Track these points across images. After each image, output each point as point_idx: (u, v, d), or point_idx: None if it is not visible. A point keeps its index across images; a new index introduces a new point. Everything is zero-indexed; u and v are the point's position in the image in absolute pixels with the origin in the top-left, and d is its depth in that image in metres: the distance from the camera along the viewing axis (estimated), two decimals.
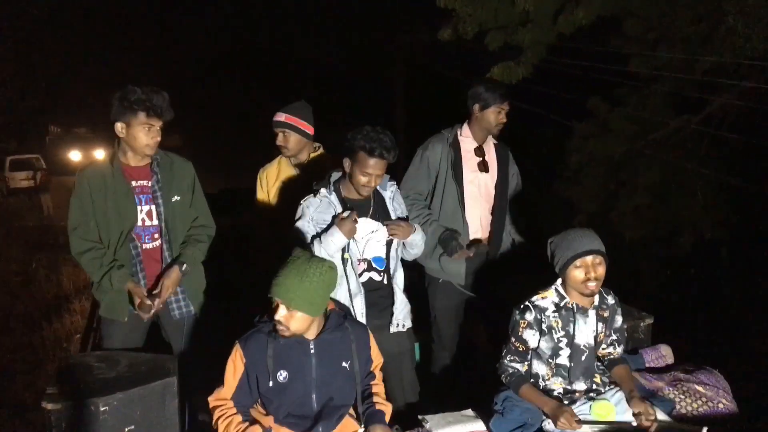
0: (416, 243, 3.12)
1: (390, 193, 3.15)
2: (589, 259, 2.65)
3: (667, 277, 8.46)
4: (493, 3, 7.92)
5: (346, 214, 2.92)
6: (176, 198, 3.13)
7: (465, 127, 3.69)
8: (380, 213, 3.09)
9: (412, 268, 3.50)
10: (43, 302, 8.84)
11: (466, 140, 3.66)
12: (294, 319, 2.33)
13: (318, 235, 2.96)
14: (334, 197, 3.02)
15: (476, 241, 3.62)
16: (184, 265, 3.09)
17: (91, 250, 3.01)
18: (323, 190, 3.02)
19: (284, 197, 3.60)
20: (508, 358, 2.80)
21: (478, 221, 3.65)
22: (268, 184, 3.68)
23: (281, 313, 2.32)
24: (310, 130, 3.61)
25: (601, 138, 8.57)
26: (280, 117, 3.58)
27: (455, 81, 12.48)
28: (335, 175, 3.09)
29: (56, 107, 28.57)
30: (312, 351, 2.43)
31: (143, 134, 2.95)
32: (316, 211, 3.00)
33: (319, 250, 2.89)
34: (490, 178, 3.68)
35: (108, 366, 2.75)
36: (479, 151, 3.67)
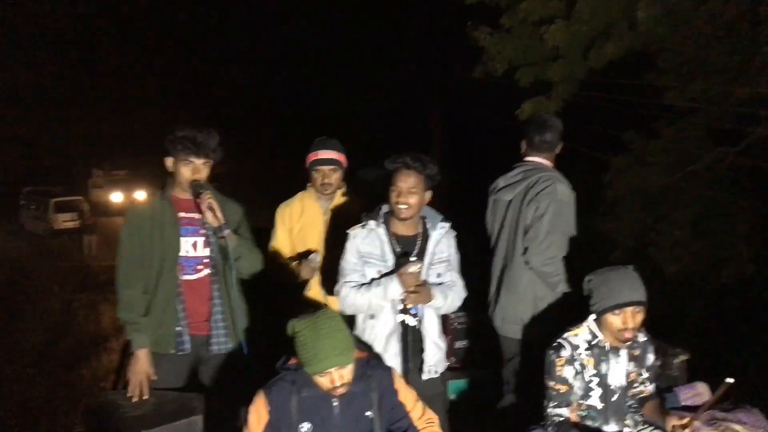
0: (438, 306, 2.97)
1: (438, 234, 2.99)
2: (629, 309, 2.56)
3: (708, 313, 8.21)
4: (523, 40, 7.97)
5: (412, 268, 2.77)
6: (227, 231, 3.10)
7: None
8: (423, 253, 2.97)
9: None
10: (83, 341, 8.99)
11: None
12: (348, 373, 2.32)
13: (373, 279, 2.87)
14: (382, 230, 2.92)
15: None
16: (235, 237, 3.05)
17: (130, 289, 3.03)
18: (372, 222, 2.93)
19: (311, 235, 3.56)
20: (551, 405, 2.66)
21: None
22: (291, 221, 3.59)
23: (341, 378, 2.30)
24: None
25: (638, 171, 8.46)
26: (330, 154, 3.50)
27: (489, 118, 12.52)
28: (385, 207, 2.99)
29: (100, 151, 29.52)
30: (335, 403, 2.39)
31: (186, 170, 3.02)
32: (362, 242, 2.92)
33: (374, 294, 2.83)
34: None
35: (135, 405, 2.77)
36: None
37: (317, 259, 3.36)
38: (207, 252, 3.11)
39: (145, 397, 2.88)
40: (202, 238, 3.11)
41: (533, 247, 3.23)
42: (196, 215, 3.10)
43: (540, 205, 3.24)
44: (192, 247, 3.10)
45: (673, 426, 2.48)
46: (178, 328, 3.04)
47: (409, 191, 2.82)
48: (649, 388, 2.79)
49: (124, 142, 29.26)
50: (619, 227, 8.72)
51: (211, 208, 2.95)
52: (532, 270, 3.27)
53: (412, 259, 2.84)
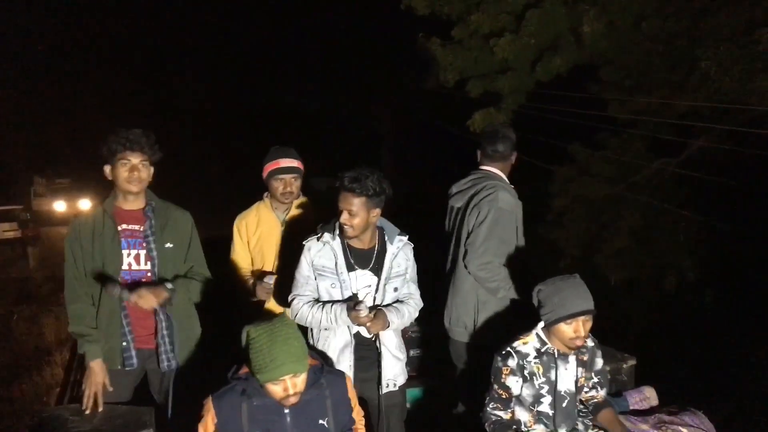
0: (395, 327, 2.95)
1: (395, 248, 2.94)
2: (580, 318, 2.62)
3: (652, 319, 8.47)
4: (473, 51, 8.12)
5: (363, 312, 2.72)
6: (169, 245, 3.05)
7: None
8: (379, 267, 2.94)
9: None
10: (24, 355, 8.67)
11: None
12: (301, 383, 2.30)
13: (327, 302, 2.84)
14: (337, 243, 2.88)
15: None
16: (171, 290, 2.94)
17: (78, 302, 2.93)
18: (326, 235, 2.86)
19: (268, 247, 3.51)
20: (491, 406, 2.76)
21: None
22: (248, 233, 3.54)
23: (294, 387, 2.27)
24: None
25: (583, 182, 8.70)
26: (291, 162, 3.45)
27: (439, 127, 12.66)
28: None
29: (41, 159, 28.63)
30: (286, 411, 2.36)
31: (123, 170, 2.91)
32: (316, 254, 2.87)
33: (325, 318, 2.80)
34: None
35: (83, 419, 2.69)
36: None
37: (271, 282, 3.31)
38: (149, 266, 3.02)
39: (100, 408, 2.80)
40: (144, 251, 3.01)
41: (470, 252, 3.29)
42: (139, 227, 3.01)
43: (481, 212, 3.29)
44: (134, 260, 3.00)
45: None
46: (123, 344, 2.96)
47: (350, 212, 2.78)
48: (601, 393, 2.85)
49: (67, 149, 28.43)
50: (566, 236, 8.95)
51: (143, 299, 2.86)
52: (471, 274, 3.34)
53: (362, 301, 2.77)
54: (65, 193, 26.84)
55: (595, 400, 2.85)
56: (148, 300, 2.84)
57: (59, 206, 26.35)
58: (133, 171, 2.93)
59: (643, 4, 7.47)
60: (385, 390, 2.93)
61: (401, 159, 16.13)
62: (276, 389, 2.26)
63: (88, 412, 2.77)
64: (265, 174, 3.49)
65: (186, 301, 3.13)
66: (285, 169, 3.45)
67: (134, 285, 2.91)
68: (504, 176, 3.49)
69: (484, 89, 8.35)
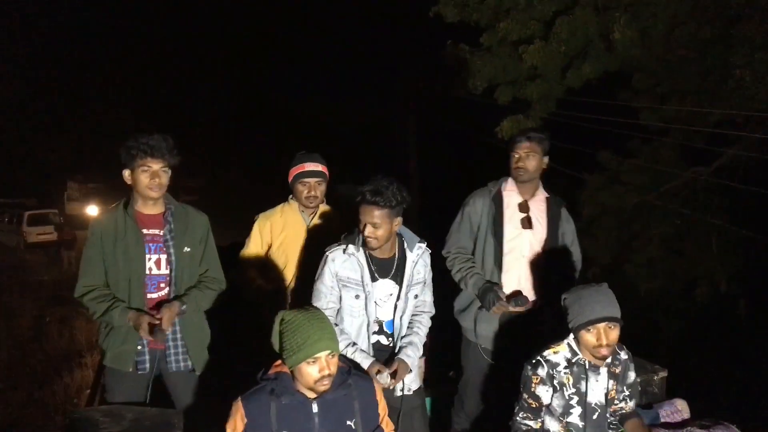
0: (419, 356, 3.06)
1: (415, 255, 2.97)
2: (602, 326, 2.58)
3: (684, 330, 8.32)
4: (502, 59, 8.09)
5: (384, 381, 2.81)
6: (187, 249, 3.10)
7: (510, 180, 3.44)
8: (400, 275, 2.96)
9: (446, 321, 3.44)
10: (55, 357, 8.82)
11: (511, 194, 3.43)
12: (334, 366, 2.33)
13: (349, 344, 2.90)
14: (361, 254, 2.89)
15: (516, 294, 3.30)
16: (184, 305, 3.01)
17: (93, 290, 2.98)
18: (351, 247, 2.88)
19: (293, 250, 3.53)
20: (520, 416, 2.73)
21: (516, 282, 3.36)
22: (272, 234, 3.56)
23: (329, 367, 2.30)
24: None
25: (613, 190, 8.60)
26: (316, 166, 3.49)
27: (467, 134, 12.63)
28: None
29: (75, 163, 29.19)
30: (315, 411, 2.38)
31: (144, 177, 2.95)
32: (341, 265, 2.89)
33: (349, 353, 2.87)
34: (535, 235, 3.37)
35: (113, 421, 2.72)
36: (524, 207, 3.40)
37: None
38: (168, 270, 3.06)
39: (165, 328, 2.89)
40: (165, 256, 3.06)
41: None
42: (159, 231, 3.06)
43: None
44: (155, 264, 3.05)
45: None
46: (139, 347, 3.01)
47: (374, 225, 2.78)
48: (630, 404, 2.81)
49: (99, 153, 28.94)
50: (595, 244, 8.83)
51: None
52: None
53: (385, 373, 2.83)
54: (98, 196, 27.31)
55: (623, 411, 2.80)
56: (169, 321, 2.94)
57: (92, 210, 26.82)
58: (154, 177, 2.97)
59: (676, 10, 7.37)
60: (398, 394, 2.96)
61: (427, 166, 16.11)
62: (311, 370, 2.28)
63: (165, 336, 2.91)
64: (290, 178, 3.54)
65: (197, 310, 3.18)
66: (310, 173, 3.49)
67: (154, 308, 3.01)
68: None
69: (513, 96, 8.31)
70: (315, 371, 2.29)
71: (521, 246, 3.37)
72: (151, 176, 2.96)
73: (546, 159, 3.39)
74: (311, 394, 2.37)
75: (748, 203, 7.98)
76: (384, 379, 2.81)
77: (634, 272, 8.37)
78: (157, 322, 2.89)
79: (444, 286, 3.52)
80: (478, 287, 3.32)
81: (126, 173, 3.00)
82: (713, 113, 7.40)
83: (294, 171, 3.52)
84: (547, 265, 3.34)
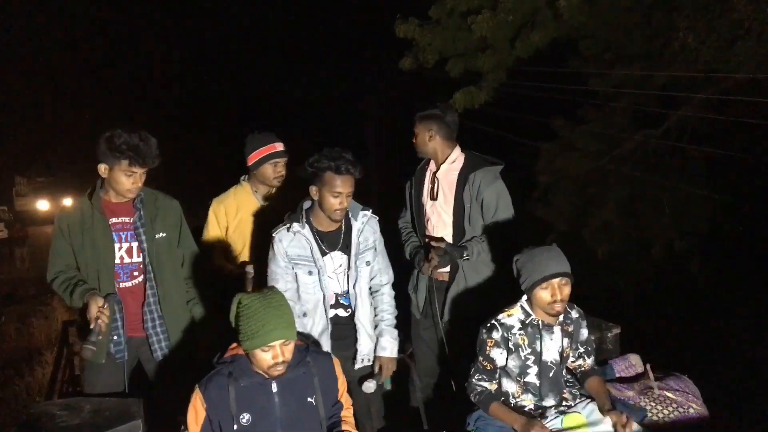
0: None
1: (360, 224, 3.01)
2: (555, 281, 2.65)
3: (640, 290, 8.53)
4: (451, 31, 8.08)
5: (371, 388, 2.99)
6: (161, 235, 3.07)
7: None
8: (347, 244, 3.00)
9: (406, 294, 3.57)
10: (15, 356, 8.64)
11: (429, 167, 3.53)
12: (289, 352, 2.32)
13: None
14: (307, 230, 2.91)
15: (440, 240, 3.38)
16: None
17: (59, 275, 2.94)
18: (296, 225, 2.91)
19: (250, 230, 3.52)
20: (476, 378, 2.79)
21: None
22: (227, 218, 3.54)
23: (283, 354, 2.30)
24: None
25: (567, 157, 8.70)
26: (279, 147, 3.49)
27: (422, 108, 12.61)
28: (306, 205, 2.99)
29: (21, 157, 28.35)
30: (275, 390, 2.39)
31: (125, 179, 2.90)
32: (289, 244, 2.91)
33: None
34: (441, 205, 3.45)
35: (71, 413, 2.67)
36: (432, 179, 3.51)
37: (251, 272, 3.32)
38: (140, 258, 3.03)
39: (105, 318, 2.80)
40: (136, 244, 3.02)
41: None
42: (129, 219, 3.01)
43: None
44: (126, 253, 3.02)
45: (615, 424, 2.58)
46: (115, 337, 2.97)
47: (348, 195, 2.85)
48: (588, 361, 2.89)
49: (47, 147, 28.13)
50: (553, 211, 8.96)
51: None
52: None
53: (370, 381, 2.98)
54: (48, 191, 26.61)
55: (583, 369, 2.88)
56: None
57: (42, 205, 26.16)
58: (136, 182, 2.93)
59: None
60: (359, 365, 3.00)
61: (386, 143, 16.12)
62: (265, 356, 2.28)
63: (100, 336, 2.78)
64: (256, 159, 3.49)
65: (177, 290, 3.15)
66: (281, 153, 3.50)
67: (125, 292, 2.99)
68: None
69: (465, 68, 8.32)
70: (269, 357, 2.29)
71: (431, 215, 3.49)
72: (133, 181, 2.92)
73: (434, 129, 3.40)
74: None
75: (697, 163, 8.18)
76: (371, 386, 2.95)
77: (591, 236, 8.51)
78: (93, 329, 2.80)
79: (405, 262, 3.60)
80: (411, 253, 3.50)
81: (102, 167, 2.91)
82: (660, 76, 7.52)
83: (263, 152, 3.49)
84: (457, 232, 3.41)
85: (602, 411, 2.66)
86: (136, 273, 3.04)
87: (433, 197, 3.48)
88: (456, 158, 3.45)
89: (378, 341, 3.08)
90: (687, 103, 7.87)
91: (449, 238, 3.40)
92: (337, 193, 2.81)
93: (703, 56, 6.87)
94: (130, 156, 2.84)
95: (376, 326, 3.11)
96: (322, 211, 2.89)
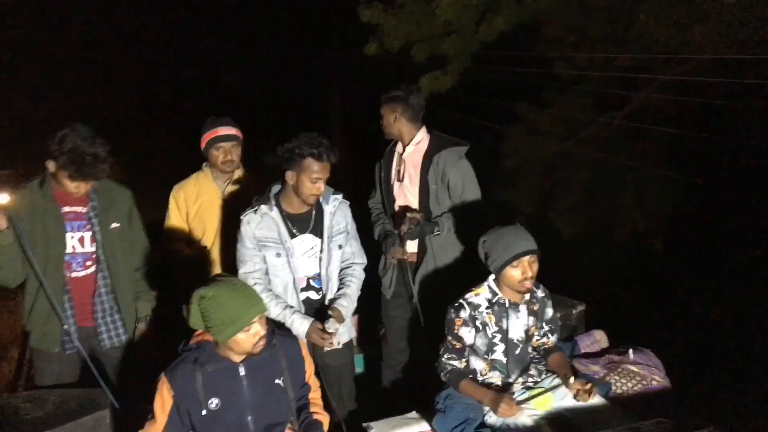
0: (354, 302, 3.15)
1: (332, 207, 3.03)
2: (525, 259, 2.70)
3: (605, 270, 8.68)
4: (415, 16, 8.05)
5: (332, 326, 2.90)
6: (115, 225, 3.03)
7: None
8: (319, 228, 3.01)
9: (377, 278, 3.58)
10: None
11: (399, 147, 3.56)
12: (264, 324, 2.36)
13: (287, 307, 2.94)
14: (275, 213, 2.93)
15: (414, 211, 3.37)
16: (147, 318, 3.13)
17: None
18: (264, 207, 2.92)
19: (210, 217, 3.49)
20: (445, 357, 2.83)
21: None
22: (187, 204, 3.51)
23: (263, 328, 2.34)
24: None
25: (532, 140, 8.77)
26: (230, 130, 3.44)
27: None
28: (275, 189, 3.00)
29: None
30: (242, 374, 2.39)
31: (71, 186, 2.85)
32: (257, 226, 2.92)
33: (280, 317, 2.92)
34: (407, 186, 3.51)
35: (36, 405, 2.64)
36: (399, 161, 3.56)
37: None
38: (93, 248, 2.99)
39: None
40: (89, 233, 2.98)
41: None
42: (82, 208, 2.96)
43: None
44: (78, 242, 2.98)
45: (577, 390, 2.62)
46: (65, 326, 2.94)
47: (324, 180, 2.89)
48: (552, 339, 2.94)
49: (4, 140, 27.37)
50: (519, 194, 9.04)
51: None
52: None
53: (329, 325, 2.90)
54: (9, 184, 25.99)
55: (546, 346, 2.93)
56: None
57: (2, 199, 25.54)
58: (79, 188, 2.88)
59: None
60: (327, 348, 2.99)
61: (350, 130, 16.08)
62: (245, 338, 2.30)
63: None
64: (203, 144, 3.47)
65: (130, 281, 3.11)
66: (224, 137, 3.44)
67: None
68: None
69: (430, 53, 8.31)
70: (250, 336, 2.31)
71: (398, 197, 3.54)
72: (75, 186, 2.86)
73: (399, 111, 3.43)
74: (237, 358, 2.37)
75: (661, 144, 8.31)
76: (332, 325, 2.87)
77: (557, 219, 8.62)
78: None
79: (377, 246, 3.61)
80: (380, 236, 3.55)
81: (51, 165, 2.83)
82: (622, 59, 7.61)
83: (207, 136, 3.46)
84: (425, 212, 3.44)
85: (564, 382, 2.71)
86: (89, 263, 3.01)
87: (400, 179, 3.52)
88: (421, 139, 3.47)
89: (336, 299, 3.03)
90: (649, 85, 7.98)
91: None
92: (315, 178, 2.84)
93: (662, 38, 6.96)
94: (77, 165, 2.78)
95: (339, 288, 3.08)
96: (298, 196, 2.91)
